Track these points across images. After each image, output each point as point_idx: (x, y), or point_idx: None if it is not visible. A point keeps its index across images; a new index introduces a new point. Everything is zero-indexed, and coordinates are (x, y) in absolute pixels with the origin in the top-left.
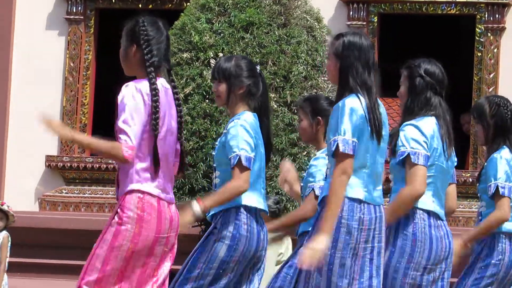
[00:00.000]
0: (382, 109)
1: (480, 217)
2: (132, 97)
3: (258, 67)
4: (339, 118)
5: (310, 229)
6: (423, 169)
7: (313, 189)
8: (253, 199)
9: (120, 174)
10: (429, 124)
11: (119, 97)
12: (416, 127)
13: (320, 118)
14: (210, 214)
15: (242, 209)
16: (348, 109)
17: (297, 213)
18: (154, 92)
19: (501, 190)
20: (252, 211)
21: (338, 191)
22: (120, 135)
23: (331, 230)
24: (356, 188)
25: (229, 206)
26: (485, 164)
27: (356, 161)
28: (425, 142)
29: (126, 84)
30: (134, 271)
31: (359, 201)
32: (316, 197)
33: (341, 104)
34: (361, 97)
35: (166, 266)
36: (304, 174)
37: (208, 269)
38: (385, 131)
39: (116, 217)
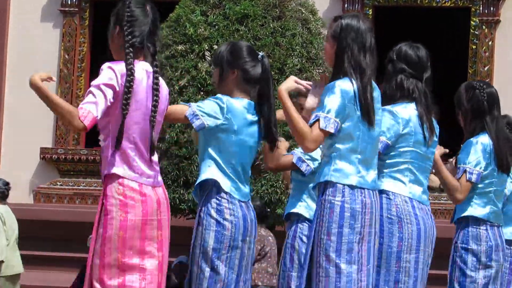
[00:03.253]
0: (377, 93)
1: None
2: (108, 73)
3: (261, 54)
4: (327, 97)
5: (291, 210)
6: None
7: (293, 154)
8: (222, 180)
9: (102, 156)
10: (406, 110)
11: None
12: (391, 112)
13: None
14: (193, 192)
15: (221, 193)
16: (337, 90)
17: (276, 153)
18: (129, 72)
19: (468, 176)
20: (232, 197)
21: (293, 119)
22: (87, 101)
23: (289, 104)
24: (349, 175)
25: (204, 180)
26: (461, 147)
27: (347, 145)
28: (390, 130)
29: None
30: (133, 259)
31: (358, 188)
32: (293, 163)
33: (331, 85)
34: (354, 81)
35: (166, 250)
36: None
37: (204, 261)
38: (378, 115)
39: (101, 208)
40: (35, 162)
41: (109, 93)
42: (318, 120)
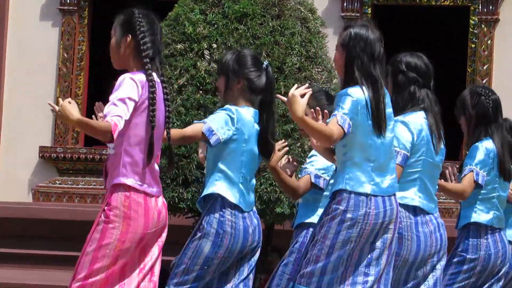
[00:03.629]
0: (388, 99)
1: (461, 206)
2: (130, 85)
3: (265, 63)
4: (341, 101)
5: (305, 220)
6: (398, 169)
7: (309, 174)
8: (229, 193)
9: (109, 164)
10: (417, 119)
11: (118, 82)
12: (404, 123)
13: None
14: (198, 202)
15: (226, 205)
16: (350, 96)
17: (292, 181)
18: (151, 83)
19: (475, 176)
20: (237, 207)
21: (316, 127)
22: (114, 114)
23: (310, 121)
24: (363, 183)
25: (208, 193)
26: (467, 153)
27: (360, 154)
28: (408, 142)
29: (121, 76)
30: (123, 268)
31: (367, 195)
32: (311, 183)
33: (344, 91)
34: (365, 89)
35: (154, 253)
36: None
37: (193, 265)
38: (390, 120)
39: (103, 216)
40: (34, 160)
41: (131, 107)
42: (335, 117)
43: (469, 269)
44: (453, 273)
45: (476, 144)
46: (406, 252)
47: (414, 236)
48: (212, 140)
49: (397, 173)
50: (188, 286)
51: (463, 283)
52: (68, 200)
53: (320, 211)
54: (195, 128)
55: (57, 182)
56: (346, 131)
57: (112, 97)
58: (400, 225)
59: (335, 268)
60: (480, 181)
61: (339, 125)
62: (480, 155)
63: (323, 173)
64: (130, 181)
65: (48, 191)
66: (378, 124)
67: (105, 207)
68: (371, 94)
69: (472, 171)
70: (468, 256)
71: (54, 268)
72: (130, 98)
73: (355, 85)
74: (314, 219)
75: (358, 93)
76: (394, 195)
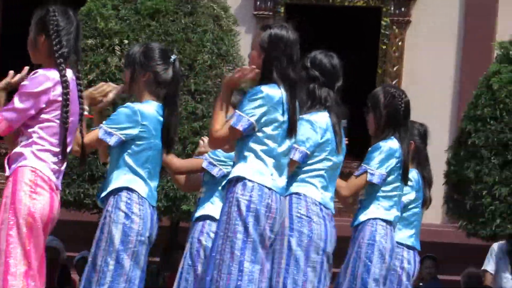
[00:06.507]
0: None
1: (359, 205)
2: (37, 82)
3: (173, 57)
4: (248, 98)
5: (204, 213)
6: (293, 163)
7: (204, 158)
8: (137, 186)
9: (13, 154)
10: (323, 118)
11: (31, 76)
12: (310, 122)
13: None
14: (100, 198)
15: (131, 192)
16: (261, 94)
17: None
18: (65, 84)
19: (369, 177)
20: (141, 197)
21: (212, 123)
22: (6, 110)
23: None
24: (265, 176)
25: (116, 188)
26: (369, 150)
27: (264, 148)
28: (310, 140)
29: (35, 71)
30: (36, 250)
31: (268, 188)
32: (203, 169)
33: (258, 88)
34: (283, 89)
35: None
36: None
37: (109, 254)
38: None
39: (9, 193)
40: None
41: (33, 102)
42: (232, 117)
43: (381, 258)
44: (366, 264)
45: (379, 143)
46: (316, 236)
47: (322, 221)
48: (112, 141)
49: (290, 168)
50: (109, 278)
51: (378, 272)
52: None
53: (221, 204)
54: (92, 135)
55: None
56: (241, 130)
57: (19, 93)
58: (307, 208)
59: (253, 264)
60: (375, 181)
61: (231, 126)
62: (379, 154)
63: (220, 164)
64: (38, 165)
65: None
66: (291, 127)
67: (11, 184)
68: (288, 96)
69: (366, 171)
70: (377, 244)
71: None
72: (33, 94)
73: (273, 83)
74: (211, 212)
75: (273, 91)
76: (285, 197)
